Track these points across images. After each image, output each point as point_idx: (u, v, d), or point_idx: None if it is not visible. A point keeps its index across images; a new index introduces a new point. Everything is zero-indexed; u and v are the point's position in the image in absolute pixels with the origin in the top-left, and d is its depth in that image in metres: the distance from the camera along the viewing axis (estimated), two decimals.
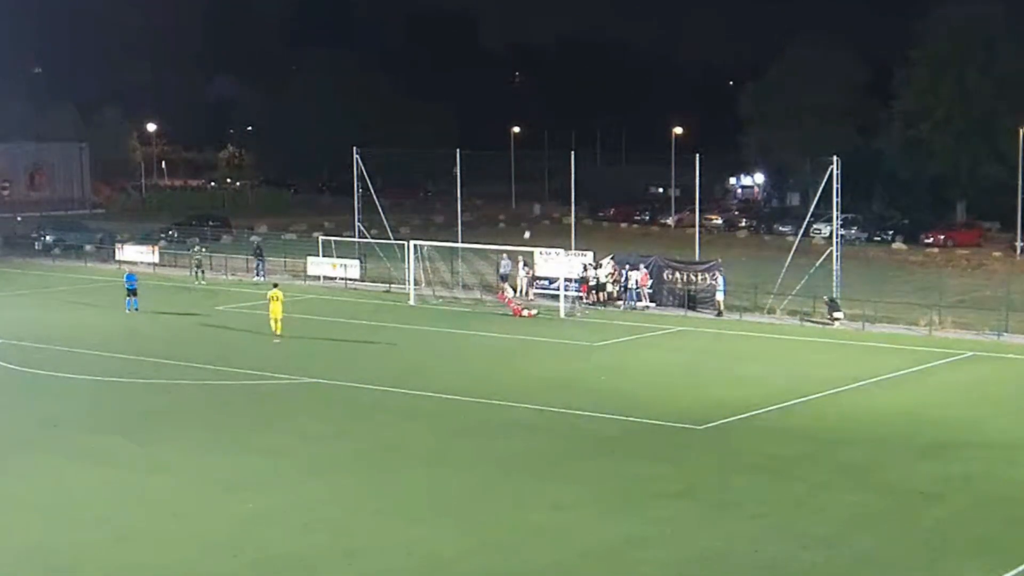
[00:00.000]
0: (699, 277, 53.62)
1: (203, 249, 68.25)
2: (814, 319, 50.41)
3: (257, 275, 64.51)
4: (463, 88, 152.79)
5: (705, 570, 22.90)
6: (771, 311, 51.55)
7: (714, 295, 52.13)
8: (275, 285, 47.90)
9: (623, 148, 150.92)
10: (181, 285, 63.21)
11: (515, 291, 56.09)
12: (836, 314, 49.49)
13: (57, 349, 44.38)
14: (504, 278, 56.94)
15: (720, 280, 52.39)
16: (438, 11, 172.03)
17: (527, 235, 58.14)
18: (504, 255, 58.03)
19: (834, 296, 50.44)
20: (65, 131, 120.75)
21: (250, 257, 66.60)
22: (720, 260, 54.84)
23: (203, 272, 64.30)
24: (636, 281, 53.67)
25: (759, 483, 27.86)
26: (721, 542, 24.03)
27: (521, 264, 57.28)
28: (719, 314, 51.45)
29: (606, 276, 54.72)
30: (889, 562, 23.14)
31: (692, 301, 52.75)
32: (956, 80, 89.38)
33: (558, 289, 53.62)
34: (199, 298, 58.04)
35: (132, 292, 53.18)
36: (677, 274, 54.16)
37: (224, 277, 65.48)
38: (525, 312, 51.84)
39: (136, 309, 52.64)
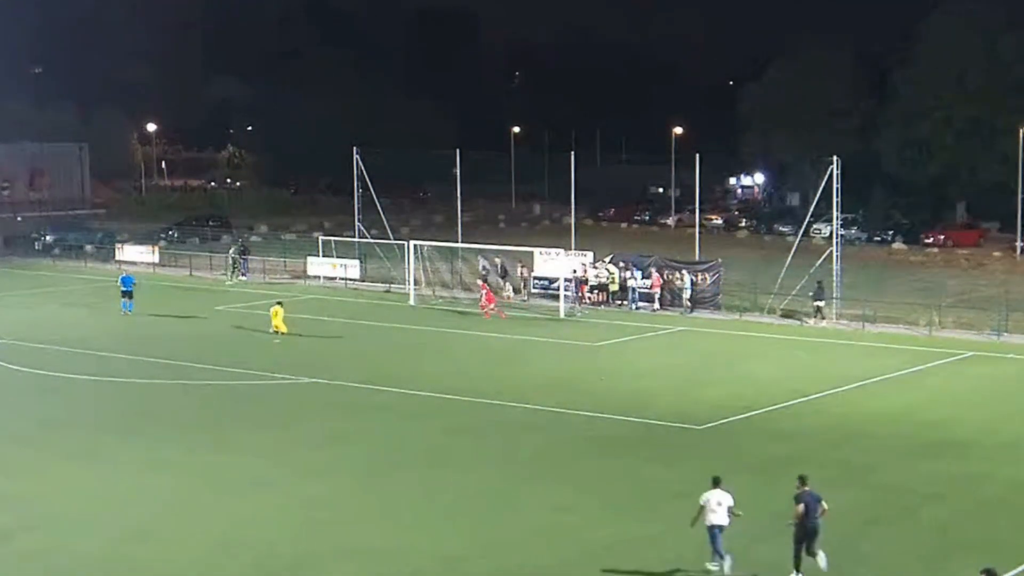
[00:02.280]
0: (699, 277, 53.75)
1: (233, 248, 67.69)
2: (801, 318, 50.52)
3: (242, 274, 64.39)
4: (463, 88, 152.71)
5: (705, 570, 22.90)
6: (771, 311, 51.58)
7: (681, 294, 52.64)
8: (279, 303, 47.66)
9: (623, 148, 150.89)
10: (181, 285, 63.24)
11: (515, 291, 56.21)
12: (818, 303, 49.82)
13: (57, 349, 44.38)
14: (484, 278, 57.11)
15: (687, 279, 52.79)
16: (438, 11, 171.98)
17: (481, 262, 57.62)
18: (480, 256, 58.30)
19: (820, 281, 50.64)
20: (65, 131, 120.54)
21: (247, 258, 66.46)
22: (720, 260, 54.94)
23: (235, 271, 63.88)
24: (639, 282, 53.69)
25: (759, 483, 27.85)
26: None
27: (499, 265, 57.49)
28: (689, 311, 51.83)
29: (607, 276, 54.68)
30: (889, 562, 23.16)
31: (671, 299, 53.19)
32: (956, 80, 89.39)
33: (558, 289, 53.63)
34: (198, 298, 58.04)
35: (128, 294, 52.43)
36: (677, 274, 54.21)
37: (226, 277, 65.42)
38: (490, 309, 51.51)
39: (129, 311, 51.85)
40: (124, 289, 52.62)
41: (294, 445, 31.26)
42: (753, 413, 34.53)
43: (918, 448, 30.93)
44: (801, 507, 21.94)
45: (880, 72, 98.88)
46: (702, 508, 22.81)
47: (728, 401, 35.65)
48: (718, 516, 22.60)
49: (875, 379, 39.20)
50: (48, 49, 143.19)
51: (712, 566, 22.56)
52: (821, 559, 21.92)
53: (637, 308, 53.14)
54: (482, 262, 57.94)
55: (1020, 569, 22.61)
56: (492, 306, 51.86)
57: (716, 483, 23.11)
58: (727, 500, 22.80)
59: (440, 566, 23.04)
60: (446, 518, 25.61)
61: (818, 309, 49.86)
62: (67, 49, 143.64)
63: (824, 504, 22.20)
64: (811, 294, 50.19)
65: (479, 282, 54.56)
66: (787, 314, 51.22)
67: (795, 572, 22.17)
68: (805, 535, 21.97)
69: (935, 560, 23.30)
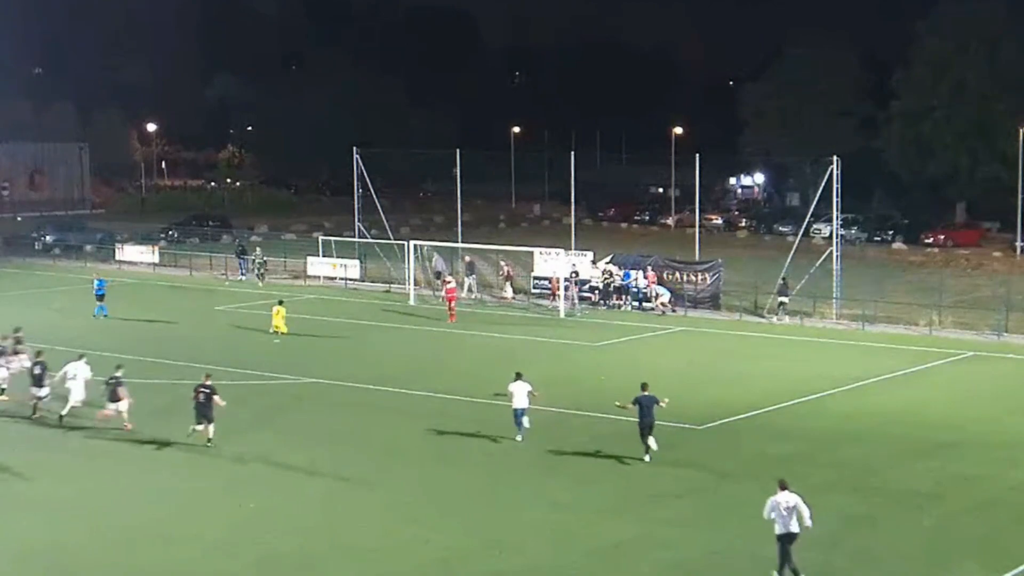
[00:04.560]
0: (699, 277, 53.83)
1: (259, 250, 67.01)
2: (765, 315, 50.98)
3: (241, 275, 64.30)
4: (463, 88, 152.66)
5: (705, 570, 22.94)
6: (771, 311, 51.59)
7: (657, 295, 52.82)
8: (280, 302, 47.68)
9: (623, 148, 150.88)
10: (181, 285, 63.25)
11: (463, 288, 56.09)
12: (782, 298, 50.25)
13: (57, 349, 44.22)
14: (438, 275, 57.25)
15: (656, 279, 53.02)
16: (438, 11, 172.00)
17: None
18: (436, 253, 58.47)
19: (784, 278, 51.16)
20: (65, 131, 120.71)
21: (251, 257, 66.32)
22: (720, 260, 55.02)
23: (263, 273, 62.99)
24: (640, 282, 53.73)
25: (759, 483, 27.83)
26: (721, 542, 24.05)
27: (468, 263, 57.63)
28: (662, 314, 52.01)
29: (601, 276, 54.78)
30: (889, 562, 23.16)
31: (647, 300, 53.35)
32: (956, 80, 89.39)
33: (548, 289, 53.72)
34: (198, 298, 58.06)
35: (100, 298, 51.51)
36: (677, 274, 54.29)
37: (224, 278, 65.46)
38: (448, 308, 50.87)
39: (105, 315, 51.10)
40: (97, 293, 51.72)
41: (294, 445, 31.26)
42: (753, 413, 34.55)
43: (918, 448, 30.93)
44: (634, 406, 29.08)
45: (880, 72, 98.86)
46: (510, 394, 30.75)
47: (728, 401, 35.66)
48: (519, 400, 30.67)
49: (875, 379, 39.21)
50: (48, 49, 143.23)
51: (517, 437, 30.89)
52: (652, 443, 29.23)
53: (632, 308, 53.24)
54: (436, 260, 58.03)
55: (1020, 569, 22.61)
56: (451, 305, 50.89)
57: (518, 376, 30.99)
58: (526, 387, 30.69)
59: (440, 566, 23.05)
60: (446, 518, 25.62)
61: (781, 305, 50.37)
62: (67, 49, 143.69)
63: (662, 403, 29.14)
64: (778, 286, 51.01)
65: (447, 278, 54.22)
66: (751, 311, 51.75)
67: (645, 453, 29.25)
68: (644, 427, 29.10)
69: (935, 560, 23.30)
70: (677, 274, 54.32)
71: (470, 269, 57.98)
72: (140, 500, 26.83)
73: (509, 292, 56.56)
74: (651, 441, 29.09)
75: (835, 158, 52.76)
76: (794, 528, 21.54)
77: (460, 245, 60.58)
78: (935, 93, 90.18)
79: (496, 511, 26.14)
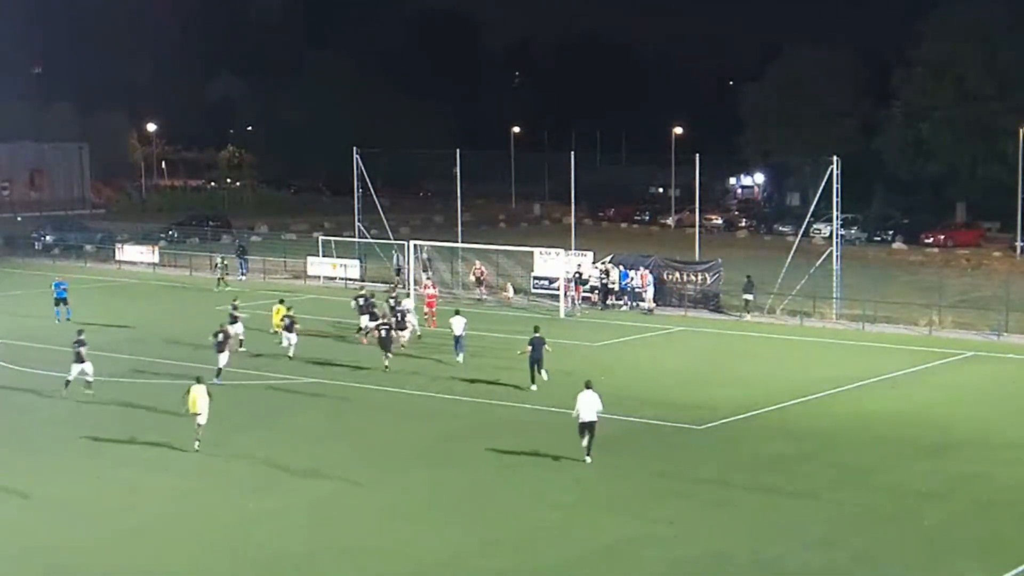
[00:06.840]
0: (699, 277, 53.86)
1: (223, 258, 66.26)
2: (730, 312, 51.62)
3: (241, 275, 64.20)
4: (463, 88, 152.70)
5: (705, 570, 22.93)
6: (771, 311, 51.60)
7: (643, 295, 53.01)
8: (281, 301, 47.61)
9: (623, 148, 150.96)
10: (181, 285, 63.23)
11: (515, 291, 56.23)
12: (747, 295, 50.79)
13: (57, 349, 44.28)
14: (399, 272, 56.99)
15: (650, 277, 53.19)
16: (439, 11, 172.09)
17: None
18: (396, 251, 58.45)
19: (749, 276, 51.90)
20: (65, 131, 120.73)
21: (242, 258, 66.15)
22: (720, 260, 54.97)
23: (222, 281, 62.07)
24: (639, 281, 53.75)
25: (759, 483, 27.87)
26: (721, 542, 24.05)
27: (425, 260, 57.54)
28: (649, 311, 52.23)
29: (597, 275, 54.80)
30: (889, 562, 23.17)
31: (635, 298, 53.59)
32: (956, 80, 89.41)
33: (557, 289, 53.68)
34: (198, 298, 58.02)
35: (61, 301, 50.10)
36: (677, 274, 54.30)
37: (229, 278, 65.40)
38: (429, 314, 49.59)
39: (68, 319, 49.17)
40: (58, 296, 50.17)
41: (294, 445, 31.26)
42: (753, 413, 34.54)
43: (918, 448, 30.93)
44: (529, 347, 36.15)
45: (880, 72, 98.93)
46: (451, 325, 40.56)
47: (728, 401, 35.66)
48: (457, 329, 40.39)
49: (875, 379, 39.21)
50: (48, 49, 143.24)
51: (458, 359, 40.19)
52: (544, 374, 36.28)
53: (631, 308, 53.25)
54: (397, 257, 57.92)
55: (1020, 569, 22.62)
56: (431, 311, 48.97)
57: (457, 313, 40.56)
58: (463, 321, 40.43)
59: (440, 566, 23.05)
60: (446, 518, 25.62)
61: (747, 303, 50.83)
62: (67, 49, 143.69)
63: (548, 347, 36.46)
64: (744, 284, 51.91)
65: (426, 282, 53.77)
66: (722, 308, 52.36)
67: (531, 383, 36.40)
68: (534, 361, 36.17)
69: (935, 560, 23.30)
70: (677, 274, 54.31)
71: (426, 266, 57.75)
72: (139, 500, 26.81)
73: (511, 292, 56.54)
74: (544, 373, 36.24)
75: (835, 158, 52.76)
76: (591, 418, 28.59)
77: (460, 245, 60.55)
78: (935, 93, 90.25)
79: (496, 511, 26.13)
